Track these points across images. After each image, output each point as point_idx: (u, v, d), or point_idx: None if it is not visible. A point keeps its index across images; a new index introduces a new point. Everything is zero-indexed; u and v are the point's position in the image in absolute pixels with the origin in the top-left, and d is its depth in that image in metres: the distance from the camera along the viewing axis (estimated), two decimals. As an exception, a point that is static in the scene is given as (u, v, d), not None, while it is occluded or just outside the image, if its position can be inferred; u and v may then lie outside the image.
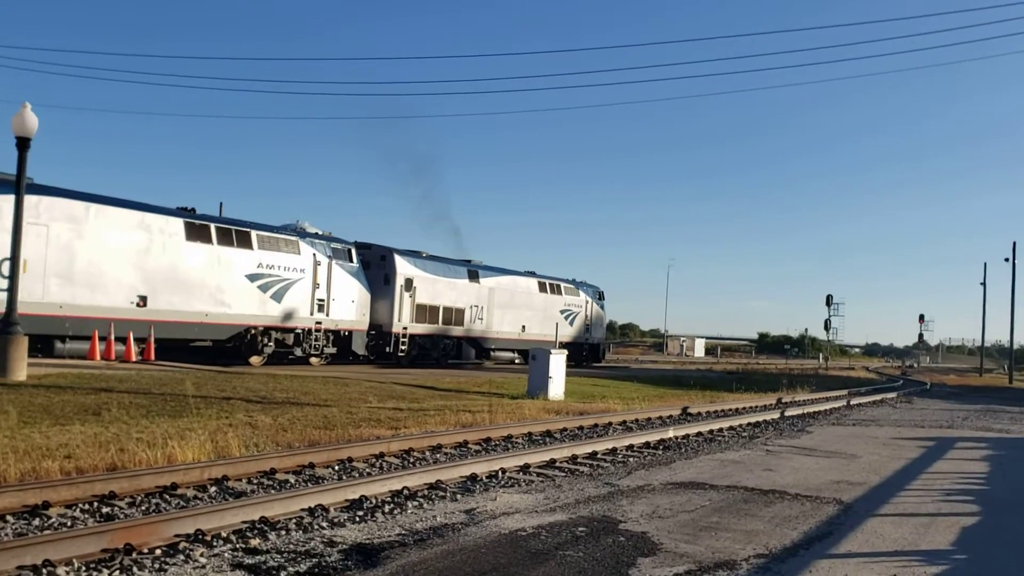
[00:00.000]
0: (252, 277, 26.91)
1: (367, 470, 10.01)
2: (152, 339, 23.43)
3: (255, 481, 8.93)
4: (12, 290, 16.15)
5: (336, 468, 9.95)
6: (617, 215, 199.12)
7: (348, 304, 30.76)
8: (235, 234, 26.58)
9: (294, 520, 7.11)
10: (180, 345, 25.90)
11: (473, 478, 9.51)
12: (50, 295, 21.57)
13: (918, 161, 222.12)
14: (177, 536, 6.28)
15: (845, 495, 9.81)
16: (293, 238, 28.70)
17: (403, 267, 33.85)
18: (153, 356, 23.37)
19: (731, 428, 16.85)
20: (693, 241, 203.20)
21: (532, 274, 43.33)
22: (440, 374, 28.61)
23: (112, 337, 22.67)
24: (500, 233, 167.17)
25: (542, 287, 43.34)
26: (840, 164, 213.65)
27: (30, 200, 20.72)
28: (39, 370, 17.29)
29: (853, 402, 27.41)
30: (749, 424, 17.88)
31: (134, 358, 22.69)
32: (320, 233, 30.51)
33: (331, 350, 30.50)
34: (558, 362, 22.93)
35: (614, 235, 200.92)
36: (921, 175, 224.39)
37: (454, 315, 36.56)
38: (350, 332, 31.00)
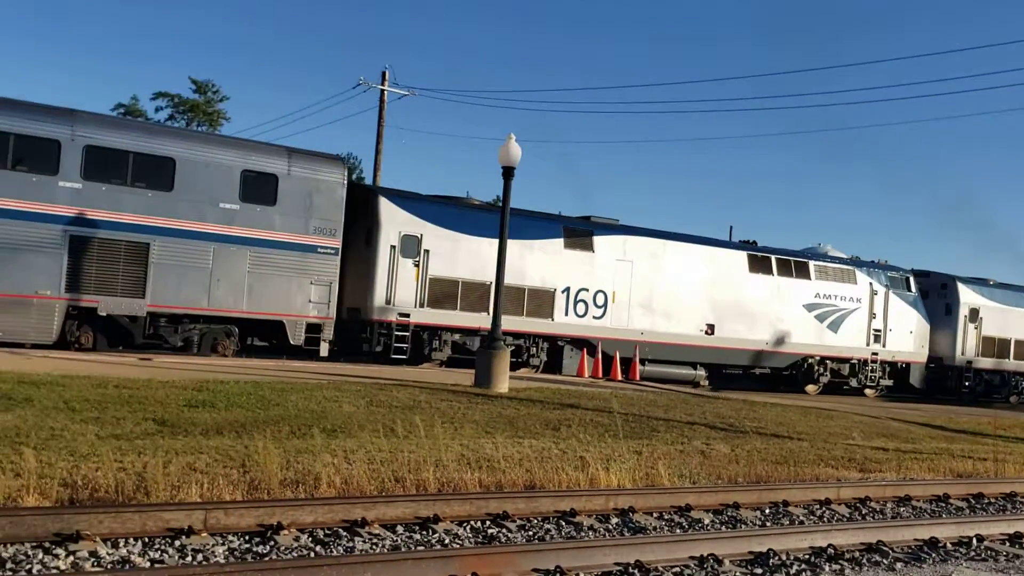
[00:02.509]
0: (809, 307, 27.34)
1: (801, 517, 8.58)
2: (636, 359, 23.79)
3: (665, 516, 8.08)
4: (496, 312, 17.26)
5: (766, 512, 8.68)
6: None
7: (905, 335, 29.65)
8: (793, 265, 27.34)
9: (675, 569, 6.13)
10: (743, 371, 27.18)
11: (932, 543, 7.59)
12: (633, 323, 23.98)
13: None
14: (535, 571, 5.69)
15: None
16: (849, 268, 28.80)
17: (967, 296, 31.64)
18: (638, 376, 23.69)
19: None
20: None
21: None
22: (963, 412, 24.97)
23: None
24: None
25: None
26: None
27: (617, 240, 23.94)
28: (520, 383, 18.29)
29: None
30: None
31: (619, 376, 23.22)
32: (875, 261, 30.24)
33: (887, 382, 29.63)
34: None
35: None
36: None
37: None
38: (907, 364, 29.84)
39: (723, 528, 7.83)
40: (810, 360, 27.54)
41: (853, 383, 28.67)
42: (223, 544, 6.03)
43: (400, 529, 6.75)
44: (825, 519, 8.65)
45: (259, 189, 18.99)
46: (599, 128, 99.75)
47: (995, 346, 31.90)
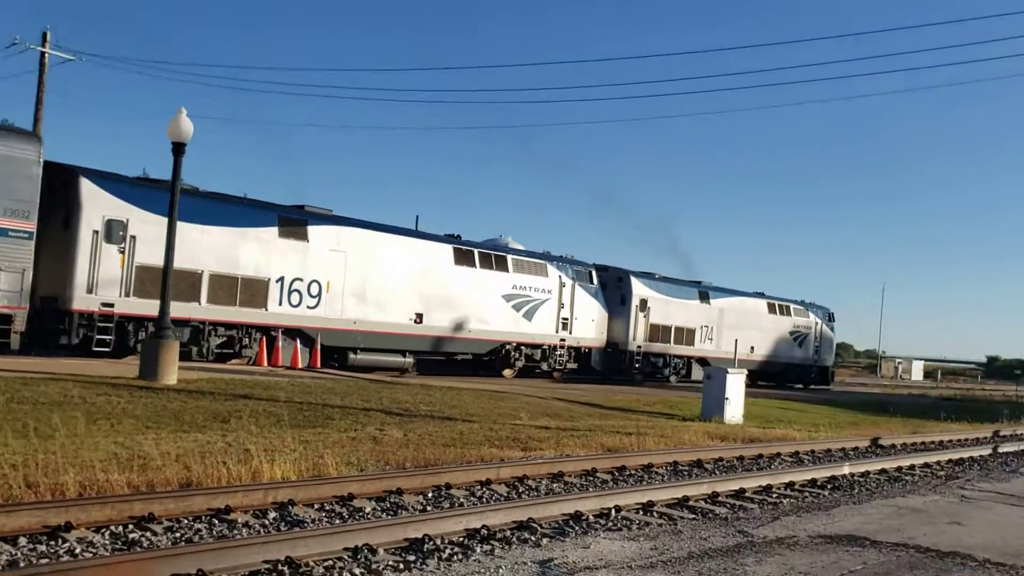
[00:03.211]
0: (507, 297, 29.24)
1: (461, 499, 8.86)
2: (319, 346, 23.53)
3: (327, 508, 7.98)
4: (164, 297, 16.24)
5: (429, 496, 8.86)
6: (836, 236, 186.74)
7: (588, 323, 32.53)
8: (494, 258, 29.14)
9: (328, 562, 6.05)
10: (447, 358, 28.36)
11: (577, 517, 8.13)
12: (347, 312, 24.35)
13: None
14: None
15: (1054, 565, 7.66)
16: (542, 262, 30.90)
17: (638, 288, 35.03)
18: (319, 364, 23.42)
19: (925, 465, 14.45)
20: (917, 258, 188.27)
21: (761, 295, 43.21)
22: (619, 391, 27.29)
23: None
24: (728, 253, 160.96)
25: (771, 308, 43.17)
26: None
27: (332, 230, 24.12)
28: (191, 374, 17.38)
29: (1090, 439, 23.56)
30: (949, 461, 15.35)
31: (300, 365, 22.82)
32: (563, 256, 32.51)
33: (573, 365, 32.32)
34: (735, 382, 21.10)
35: (834, 254, 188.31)
36: None
37: (685, 335, 37.37)
38: (590, 349, 32.82)
39: (384, 516, 7.87)
40: (507, 346, 29.60)
41: (544, 367, 31.10)
42: None
43: (23, 541, 6.07)
44: (485, 500, 8.98)
45: None
46: (314, 112, 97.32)
47: (660, 332, 35.82)
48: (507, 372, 29.92)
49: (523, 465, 10.47)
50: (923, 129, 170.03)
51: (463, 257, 28.01)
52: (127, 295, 19.99)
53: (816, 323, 46.09)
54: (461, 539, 7.01)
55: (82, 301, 19.35)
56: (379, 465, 10.63)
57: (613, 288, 34.64)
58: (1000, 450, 17.87)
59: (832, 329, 48.44)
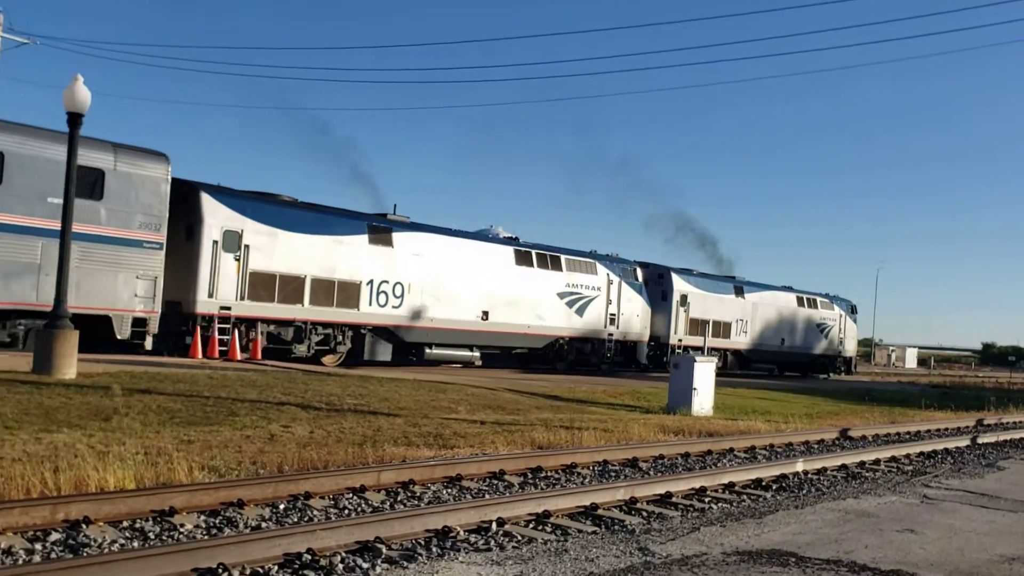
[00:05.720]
0: (561, 295, 30.83)
1: (315, 513, 7.46)
2: (260, 338, 22.18)
3: (136, 526, 6.59)
4: (61, 284, 14.80)
5: (281, 508, 7.47)
6: (841, 233, 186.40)
7: (634, 318, 34.06)
8: (549, 259, 30.85)
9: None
10: (506, 353, 30.30)
11: (443, 534, 6.74)
12: (425, 311, 26.26)
13: None
14: None
15: (1015, 588, 6.30)
16: (591, 261, 32.41)
17: (679, 284, 36.43)
18: (260, 355, 22.07)
19: (891, 459, 13.06)
20: (913, 248, 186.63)
21: (790, 289, 43.98)
22: (588, 381, 26.00)
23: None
24: (752, 248, 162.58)
25: (800, 301, 44.25)
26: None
27: (412, 236, 26.30)
28: (98, 367, 15.99)
29: (1080, 427, 22.21)
30: (920, 454, 13.96)
31: (239, 356, 21.47)
32: (609, 255, 33.86)
33: (619, 359, 33.76)
34: (704, 371, 19.72)
35: (837, 247, 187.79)
36: None
37: (722, 328, 38.31)
38: (635, 343, 34.37)
39: (201, 537, 6.47)
40: (561, 341, 31.08)
41: (593, 360, 32.38)
42: None
43: None
44: (348, 511, 7.59)
45: (87, 184, 18.30)
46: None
47: (699, 326, 36.28)
48: (559, 365, 31.11)
49: (411, 468, 9.04)
50: (925, 130, 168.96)
51: (523, 258, 29.74)
52: (242, 299, 21.85)
53: (840, 315, 46.64)
54: (278, 566, 5.63)
55: (204, 305, 21.17)
56: (254, 468, 9.26)
57: (654, 284, 35.82)
58: (980, 440, 16.50)
59: (855, 321, 48.94)
